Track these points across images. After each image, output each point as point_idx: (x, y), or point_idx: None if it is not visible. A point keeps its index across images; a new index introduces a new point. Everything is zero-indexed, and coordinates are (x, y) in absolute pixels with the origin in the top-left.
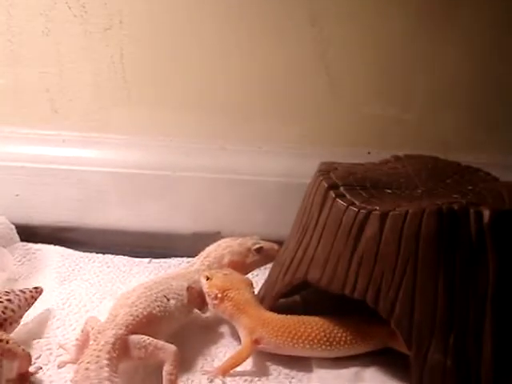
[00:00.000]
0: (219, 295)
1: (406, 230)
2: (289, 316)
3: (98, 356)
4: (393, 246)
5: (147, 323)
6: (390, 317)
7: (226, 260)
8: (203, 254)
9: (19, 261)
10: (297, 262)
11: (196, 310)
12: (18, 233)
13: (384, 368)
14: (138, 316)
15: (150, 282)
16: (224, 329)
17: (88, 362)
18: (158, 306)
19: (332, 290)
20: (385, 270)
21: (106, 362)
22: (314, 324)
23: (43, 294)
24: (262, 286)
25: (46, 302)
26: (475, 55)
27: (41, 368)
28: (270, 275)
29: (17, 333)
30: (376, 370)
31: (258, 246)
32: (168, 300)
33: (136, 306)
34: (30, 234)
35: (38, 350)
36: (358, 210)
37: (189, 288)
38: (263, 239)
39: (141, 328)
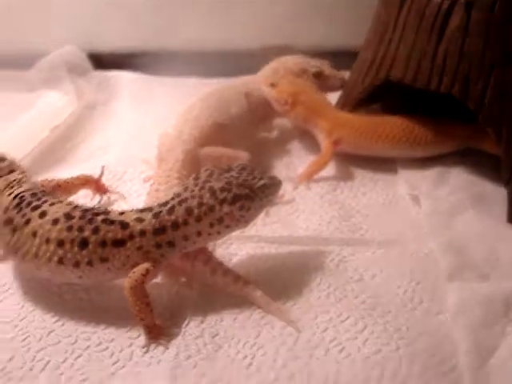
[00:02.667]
0: (289, 100)
1: (495, 19)
2: (368, 115)
3: (168, 176)
4: (480, 36)
5: (213, 133)
6: (479, 110)
7: (280, 74)
8: (268, 67)
9: (95, 88)
10: (378, 62)
11: (264, 133)
12: (91, 62)
13: (469, 168)
14: (203, 127)
15: (208, 93)
16: (299, 143)
17: (159, 184)
18: (220, 114)
19: (417, 86)
20: (472, 64)
21: (176, 181)
22: (394, 122)
23: (122, 116)
24: (340, 96)
25: (126, 124)
26: None
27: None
28: (348, 81)
29: (104, 154)
30: (461, 171)
31: (316, 70)
32: (229, 108)
33: (198, 117)
34: (102, 62)
35: (123, 167)
36: (442, 1)
37: (247, 94)
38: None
39: (208, 139)
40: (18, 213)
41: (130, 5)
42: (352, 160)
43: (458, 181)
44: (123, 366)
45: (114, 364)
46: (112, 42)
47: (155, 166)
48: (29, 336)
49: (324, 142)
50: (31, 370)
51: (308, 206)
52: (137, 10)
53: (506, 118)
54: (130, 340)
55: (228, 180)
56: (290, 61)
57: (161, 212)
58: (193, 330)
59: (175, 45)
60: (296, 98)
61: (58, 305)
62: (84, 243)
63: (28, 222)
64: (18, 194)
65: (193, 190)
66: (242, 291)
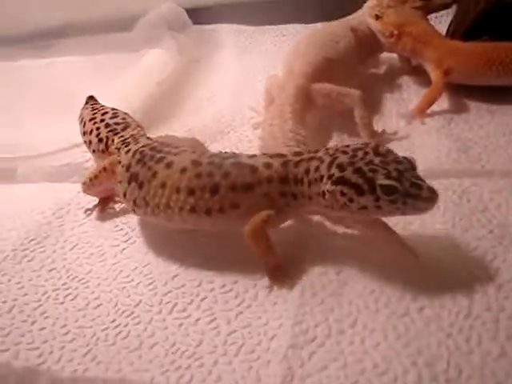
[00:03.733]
0: (395, 32)
1: None
2: (478, 43)
3: (281, 111)
4: None
5: (323, 68)
6: None
7: (384, 3)
8: (369, 2)
9: (196, 43)
10: None
11: (372, 70)
12: (189, 16)
13: None
14: (312, 63)
15: (313, 30)
16: (409, 78)
17: (273, 118)
18: (329, 49)
19: None
20: None
21: (289, 115)
22: (508, 48)
23: (227, 67)
24: (449, 24)
25: (232, 74)
26: None
27: None
28: (458, 10)
29: (212, 105)
30: None
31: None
32: (336, 43)
33: (307, 54)
34: (201, 15)
35: (232, 115)
36: None
37: (353, 29)
38: None
39: (318, 75)
40: (142, 167)
41: None
42: (465, 91)
43: None
44: (249, 306)
45: (239, 304)
46: None
47: (263, 112)
48: (154, 281)
49: (434, 72)
50: (159, 312)
51: (424, 140)
52: None
53: None
54: (253, 281)
55: (355, 160)
56: None
57: (289, 162)
58: (317, 268)
59: None
60: (402, 29)
61: (180, 251)
62: (215, 189)
63: (155, 174)
64: (137, 150)
65: (326, 154)
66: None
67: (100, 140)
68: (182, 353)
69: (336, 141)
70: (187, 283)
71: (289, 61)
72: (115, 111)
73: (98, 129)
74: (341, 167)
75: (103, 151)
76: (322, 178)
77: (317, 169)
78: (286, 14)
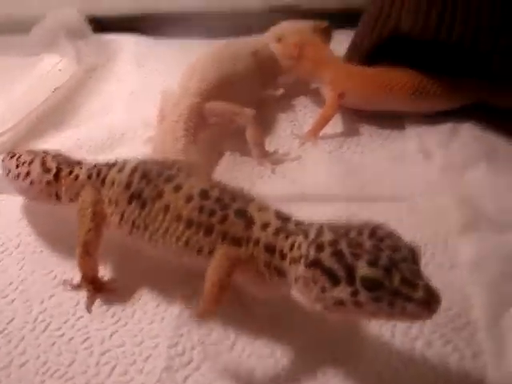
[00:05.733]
0: (295, 53)
1: None
2: (372, 68)
3: (174, 128)
4: None
5: (219, 88)
6: (491, 61)
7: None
8: (274, 28)
9: (95, 51)
10: (385, 14)
11: (270, 91)
12: (90, 25)
13: (480, 123)
14: (209, 81)
15: (215, 49)
16: (305, 100)
17: (164, 134)
18: (227, 69)
19: (426, 38)
20: (483, 8)
21: (182, 132)
22: (401, 74)
23: (122, 78)
24: (347, 48)
25: (127, 86)
26: None
27: None
28: (356, 35)
29: (104, 116)
30: (472, 125)
31: (325, 25)
32: (235, 64)
33: (205, 71)
34: (102, 25)
35: (123, 128)
36: None
37: (254, 53)
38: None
39: (214, 93)
40: (147, 184)
41: None
42: (359, 116)
43: (469, 135)
44: (125, 324)
45: (115, 323)
46: (111, 5)
47: (156, 127)
48: (30, 299)
49: (328, 95)
50: (33, 330)
51: (315, 162)
52: None
53: None
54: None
55: (341, 240)
56: (291, 24)
57: (283, 229)
58: None
59: (178, 6)
60: (301, 52)
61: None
62: (209, 230)
63: (161, 194)
64: (137, 166)
65: (316, 229)
66: None
67: (46, 170)
68: (53, 372)
69: (227, 160)
70: (64, 302)
71: (185, 77)
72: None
73: (43, 158)
74: (320, 247)
75: (48, 183)
76: (300, 257)
77: (299, 246)
78: (191, 28)
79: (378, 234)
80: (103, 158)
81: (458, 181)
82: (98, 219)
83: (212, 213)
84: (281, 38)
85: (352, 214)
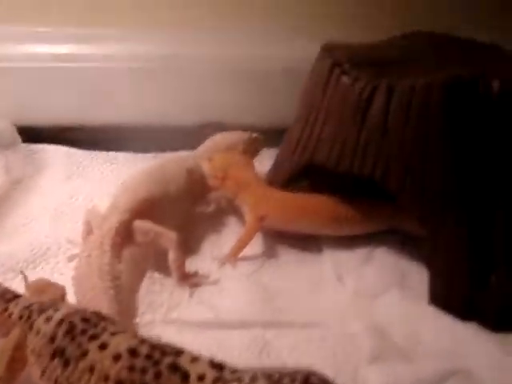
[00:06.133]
0: (220, 174)
1: (415, 103)
2: (294, 193)
3: (101, 243)
4: (401, 120)
5: (149, 207)
6: (401, 192)
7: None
8: (208, 143)
9: (23, 162)
10: (303, 143)
11: (200, 209)
12: (20, 134)
13: (394, 248)
14: (139, 201)
15: (151, 167)
16: (231, 219)
17: (91, 249)
18: (159, 190)
19: (340, 171)
20: (393, 146)
21: (108, 248)
22: (319, 200)
23: (49, 191)
24: (269, 170)
25: (53, 199)
26: None
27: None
28: (277, 159)
29: (28, 231)
30: (386, 250)
31: (246, 146)
32: (168, 184)
33: (137, 190)
34: (32, 135)
35: (47, 244)
36: (364, 86)
37: (188, 171)
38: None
39: (144, 212)
40: (71, 341)
41: (62, 78)
42: (279, 238)
43: (383, 260)
44: None
45: None
46: (44, 114)
47: (80, 243)
48: None
49: (249, 216)
50: None
51: (233, 286)
52: (68, 85)
53: (426, 200)
54: None
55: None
56: (227, 136)
57: (219, 379)
58: None
59: (108, 119)
60: (226, 173)
61: None
62: None
63: (85, 353)
64: (64, 319)
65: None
66: None
67: None
68: None
69: (147, 282)
70: None
71: (117, 193)
72: None
73: None
74: None
75: None
76: None
77: None
78: (122, 142)
79: (310, 381)
80: (28, 274)
81: (370, 308)
82: (15, 366)
83: (144, 370)
84: (210, 159)
85: (266, 342)
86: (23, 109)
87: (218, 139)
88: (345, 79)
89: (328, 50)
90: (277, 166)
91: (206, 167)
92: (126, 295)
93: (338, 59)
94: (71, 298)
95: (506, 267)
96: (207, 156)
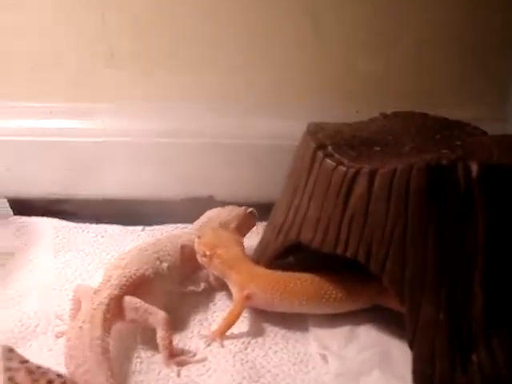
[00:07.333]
0: (208, 253)
1: (395, 186)
2: (280, 272)
3: (92, 315)
4: (382, 203)
5: (140, 284)
6: (382, 273)
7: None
8: (203, 218)
9: (13, 234)
10: (288, 224)
11: (191, 287)
12: (11, 206)
13: (378, 326)
14: (130, 277)
15: (145, 243)
16: (220, 296)
17: (83, 321)
18: (151, 268)
19: (324, 251)
20: (375, 228)
21: (100, 322)
22: (304, 280)
23: (39, 265)
24: (256, 248)
25: (43, 274)
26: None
27: None
28: (263, 237)
29: (17, 305)
30: (370, 328)
31: (236, 223)
32: (161, 262)
33: (129, 267)
34: (22, 207)
35: (36, 319)
36: (347, 169)
37: (183, 247)
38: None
39: (134, 289)
40: None
41: (50, 151)
42: (266, 316)
43: (367, 339)
44: None
45: None
46: (35, 187)
47: (69, 320)
48: None
49: (236, 295)
50: None
51: (220, 364)
52: (56, 158)
53: (407, 279)
54: None
55: None
56: (222, 212)
57: None
58: None
59: (97, 192)
60: (213, 251)
61: None
62: None
63: None
64: None
65: None
66: None
67: None
68: None
69: (135, 361)
70: None
71: (111, 268)
72: None
73: None
74: None
75: None
76: None
77: None
78: (112, 214)
79: None
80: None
81: None
82: None
83: None
84: (200, 236)
85: None
86: (11, 181)
87: (213, 215)
88: (328, 162)
89: (312, 132)
90: (262, 245)
91: (195, 244)
92: (116, 369)
93: (322, 142)
94: (62, 369)
95: (486, 346)
96: (198, 233)
